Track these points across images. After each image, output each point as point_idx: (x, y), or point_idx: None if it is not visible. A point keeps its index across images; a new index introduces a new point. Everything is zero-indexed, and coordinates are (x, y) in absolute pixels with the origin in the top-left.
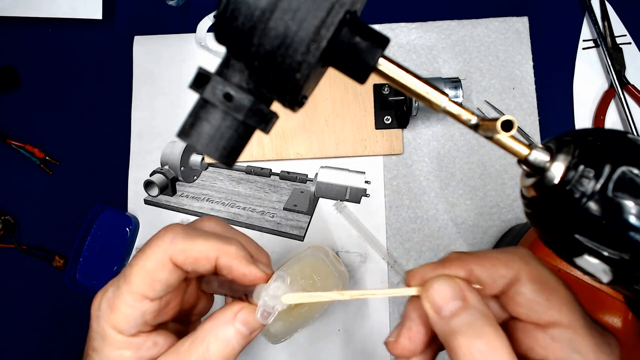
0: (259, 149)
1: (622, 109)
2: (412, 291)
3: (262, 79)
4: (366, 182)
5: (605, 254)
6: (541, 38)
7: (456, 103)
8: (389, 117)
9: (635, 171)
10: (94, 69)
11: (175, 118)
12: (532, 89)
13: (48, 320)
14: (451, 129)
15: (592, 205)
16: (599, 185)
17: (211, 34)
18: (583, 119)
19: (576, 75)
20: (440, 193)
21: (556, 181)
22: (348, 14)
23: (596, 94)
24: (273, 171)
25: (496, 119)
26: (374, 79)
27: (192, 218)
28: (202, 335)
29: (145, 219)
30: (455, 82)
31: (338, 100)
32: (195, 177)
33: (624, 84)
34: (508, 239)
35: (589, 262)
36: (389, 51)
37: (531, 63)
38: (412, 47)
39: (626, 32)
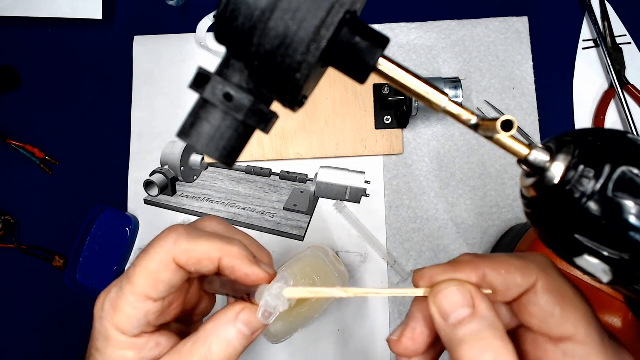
0: (259, 149)
1: (622, 109)
2: (420, 292)
3: (262, 79)
4: (366, 182)
5: (605, 254)
6: (541, 38)
7: (456, 103)
8: (389, 117)
9: (635, 171)
10: (94, 69)
11: (175, 118)
12: (532, 89)
13: (48, 320)
14: (451, 129)
15: (592, 205)
16: (599, 185)
17: (211, 34)
18: (583, 119)
19: (576, 75)
20: (440, 193)
21: (556, 181)
22: (348, 14)
23: (596, 94)
24: (273, 171)
25: (496, 119)
26: (374, 79)
27: (193, 218)
28: (204, 335)
29: (145, 219)
30: (455, 82)
31: (338, 100)
32: (195, 177)
33: (624, 84)
34: (508, 239)
35: (589, 262)
36: (389, 51)
37: (531, 63)
38: (412, 47)
39: (626, 32)
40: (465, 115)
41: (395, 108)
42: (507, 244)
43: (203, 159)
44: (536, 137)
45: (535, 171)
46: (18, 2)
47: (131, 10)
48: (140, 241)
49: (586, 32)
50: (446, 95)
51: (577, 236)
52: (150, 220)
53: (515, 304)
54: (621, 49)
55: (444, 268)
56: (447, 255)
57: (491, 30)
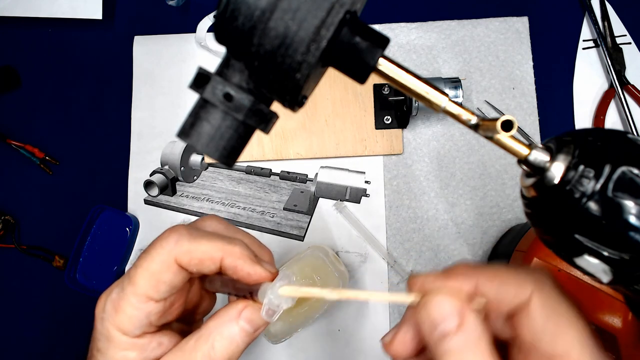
0: (259, 149)
1: (622, 109)
2: (410, 299)
3: (262, 79)
4: (366, 182)
5: (605, 254)
6: (541, 38)
7: (456, 103)
8: (389, 117)
9: (635, 171)
10: (94, 69)
11: (175, 118)
12: (532, 89)
13: (48, 320)
14: (451, 129)
15: (592, 205)
16: (599, 185)
17: (211, 34)
18: (583, 119)
19: (576, 75)
20: (440, 193)
21: (556, 181)
22: (348, 14)
23: (596, 94)
24: (273, 171)
25: (496, 119)
26: (374, 79)
27: (193, 218)
28: (207, 333)
29: (145, 219)
30: (455, 82)
31: (338, 100)
32: (195, 177)
33: (624, 84)
34: (508, 239)
35: (589, 262)
36: (389, 51)
37: (531, 63)
38: (412, 47)
39: (626, 32)
40: (465, 115)
41: (395, 108)
42: (507, 244)
43: (203, 159)
44: (536, 137)
45: (535, 171)
46: (18, 2)
47: (131, 10)
48: (140, 241)
49: (586, 32)
50: (446, 95)
51: (577, 236)
52: (150, 220)
53: (509, 316)
54: (621, 49)
55: (437, 276)
56: (447, 255)
57: (491, 30)
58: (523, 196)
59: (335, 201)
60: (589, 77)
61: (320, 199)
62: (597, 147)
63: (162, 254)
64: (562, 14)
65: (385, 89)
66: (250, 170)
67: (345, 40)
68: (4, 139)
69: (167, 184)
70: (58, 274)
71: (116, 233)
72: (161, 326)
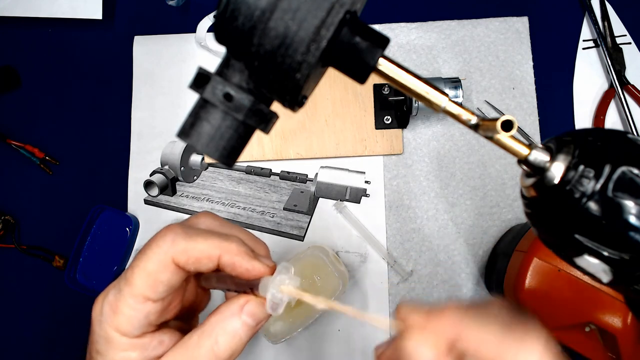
0: (259, 149)
1: (622, 109)
2: (389, 327)
3: (262, 79)
4: (366, 182)
5: (605, 254)
6: (541, 38)
7: (456, 103)
8: (389, 117)
9: (635, 171)
10: (94, 69)
11: (175, 118)
12: (532, 89)
13: (48, 320)
14: (451, 129)
15: (592, 205)
16: (599, 185)
17: (211, 34)
18: (583, 119)
19: (576, 75)
20: (440, 193)
21: (556, 181)
22: (348, 14)
23: (596, 94)
24: (273, 171)
25: (496, 119)
26: (374, 79)
27: None
28: (210, 328)
29: (145, 219)
30: (455, 82)
31: (338, 100)
32: (195, 177)
33: (624, 84)
34: (508, 239)
35: (589, 262)
36: (389, 51)
37: (531, 63)
38: (412, 47)
39: (626, 32)
40: (465, 115)
41: (395, 108)
42: (507, 244)
43: (203, 159)
44: (536, 137)
45: (535, 171)
46: (18, 2)
47: (131, 10)
48: (140, 241)
49: (586, 32)
50: (446, 95)
51: (577, 236)
52: (150, 220)
53: None
54: (621, 49)
55: (425, 314)
56: (447, 255)
57: (491, 30)
58: (523, 196)
59: (335, 201)
60: (589, 77)
61: (320, 199)
62: (597, 147)
63: (159, 253)
64: (562, 14)
65: (385, 89)
66: (250, 170)
67: (345, 40)
68: (4, 139)
69: (167, 184)
70: (58, 274)
71: (116, 233)
72: (160, 325)
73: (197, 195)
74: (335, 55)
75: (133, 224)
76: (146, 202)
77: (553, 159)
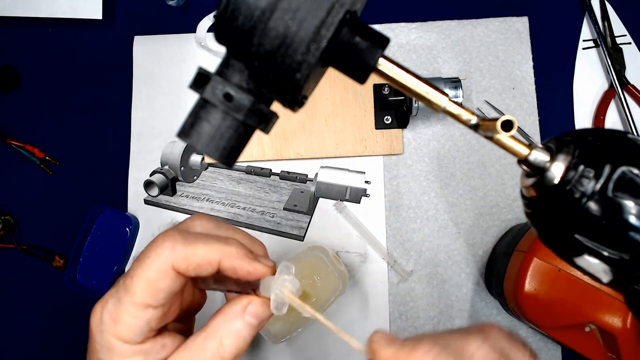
0: (259, 149)
1: (622, 109)
2: (363, 352)
3: (262, 79)
4: (366, 182)
5: (605, 254)
6: (541, 38)
7: (456, 103)
8: (389, 117)
9: (635, 171)
10: (94, 69)
11: (175, 118)
12: (532, 89)
13: (48, 320)
14: (451, 129)
15: (592, 205)
16: (599, 185)
17: (211, 34)
18: (583, 119)
19: (576, 75)
20: (440, 193)
21: (556, 181)
22: (348, 14)
23: (596, 94)
24: (273, 171)
25: (496, 119)
26: (374, 79)
27: None
28: (214, 330)
29: (145, 219)
30: (455, 82)
31: (338, 100)
32: (195, 177)
33: (624, 84)
34: (508, 239)
35: (589, 262)
36: (389, 51)
37: (531, 63)
38: (412, 47)
39: (626, 32)
40: (465, 115)
41: (395, 108)
42: (507, 244)
43: (203, 159)
44: (536, 137)
45: (535, 171)
46: (18, 2)
47: (131, 10)
48: (140, 241)
49: (586, 32)
50: (446, 95)
51: (577, 236)
52: (150, 220)
53: None
54: (621, 49)
55: (393, 349)
56: (447, 255)
57: (491, 30)
58: (523, 196)
59: (335, 201)
60: (589, 77)
61: (320, 199)
62: (597, 147)
63: (158, 261)
64: (562, 14)
65: (385, 89)
66: (250, 170)
67: (345, 40)
68: (4, 139)
69: (167, 184)
70: (58, 274)
71: (116, 233)
72: (160, 328)
73: (197, 195)
74: (335, 55)
75: (133, 224)
76: (146, 202)
77: (553, 159)
